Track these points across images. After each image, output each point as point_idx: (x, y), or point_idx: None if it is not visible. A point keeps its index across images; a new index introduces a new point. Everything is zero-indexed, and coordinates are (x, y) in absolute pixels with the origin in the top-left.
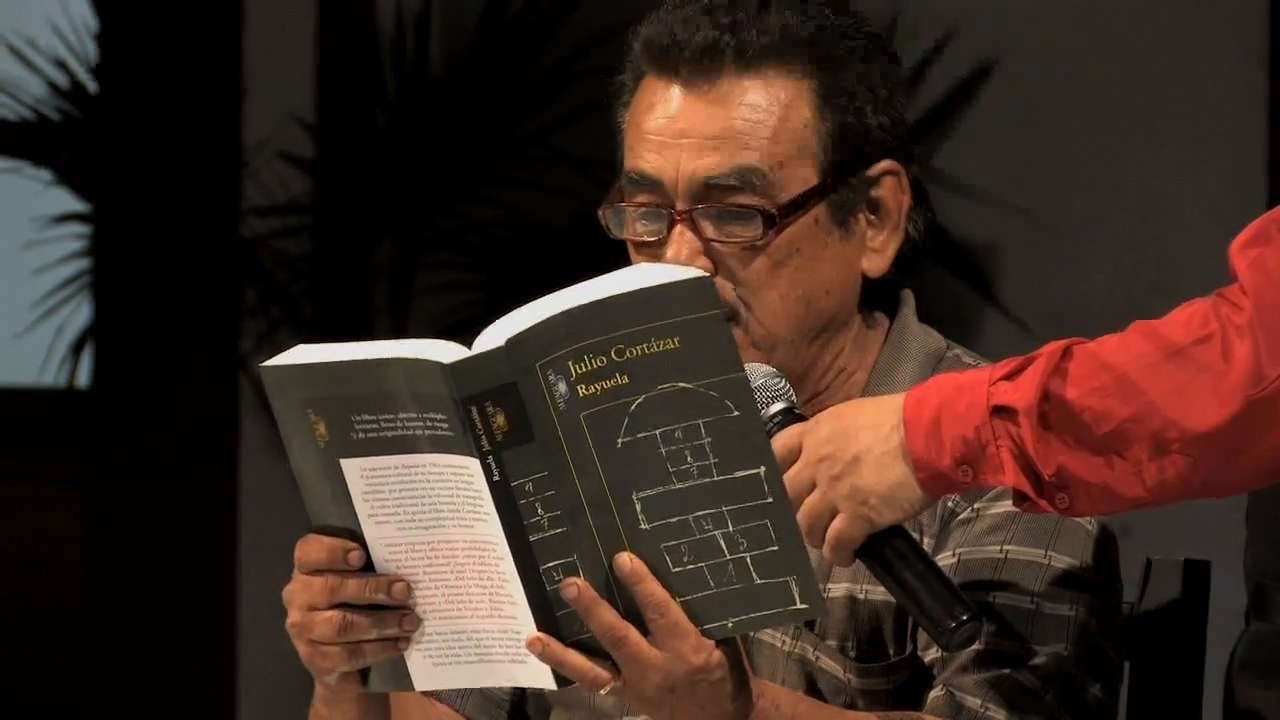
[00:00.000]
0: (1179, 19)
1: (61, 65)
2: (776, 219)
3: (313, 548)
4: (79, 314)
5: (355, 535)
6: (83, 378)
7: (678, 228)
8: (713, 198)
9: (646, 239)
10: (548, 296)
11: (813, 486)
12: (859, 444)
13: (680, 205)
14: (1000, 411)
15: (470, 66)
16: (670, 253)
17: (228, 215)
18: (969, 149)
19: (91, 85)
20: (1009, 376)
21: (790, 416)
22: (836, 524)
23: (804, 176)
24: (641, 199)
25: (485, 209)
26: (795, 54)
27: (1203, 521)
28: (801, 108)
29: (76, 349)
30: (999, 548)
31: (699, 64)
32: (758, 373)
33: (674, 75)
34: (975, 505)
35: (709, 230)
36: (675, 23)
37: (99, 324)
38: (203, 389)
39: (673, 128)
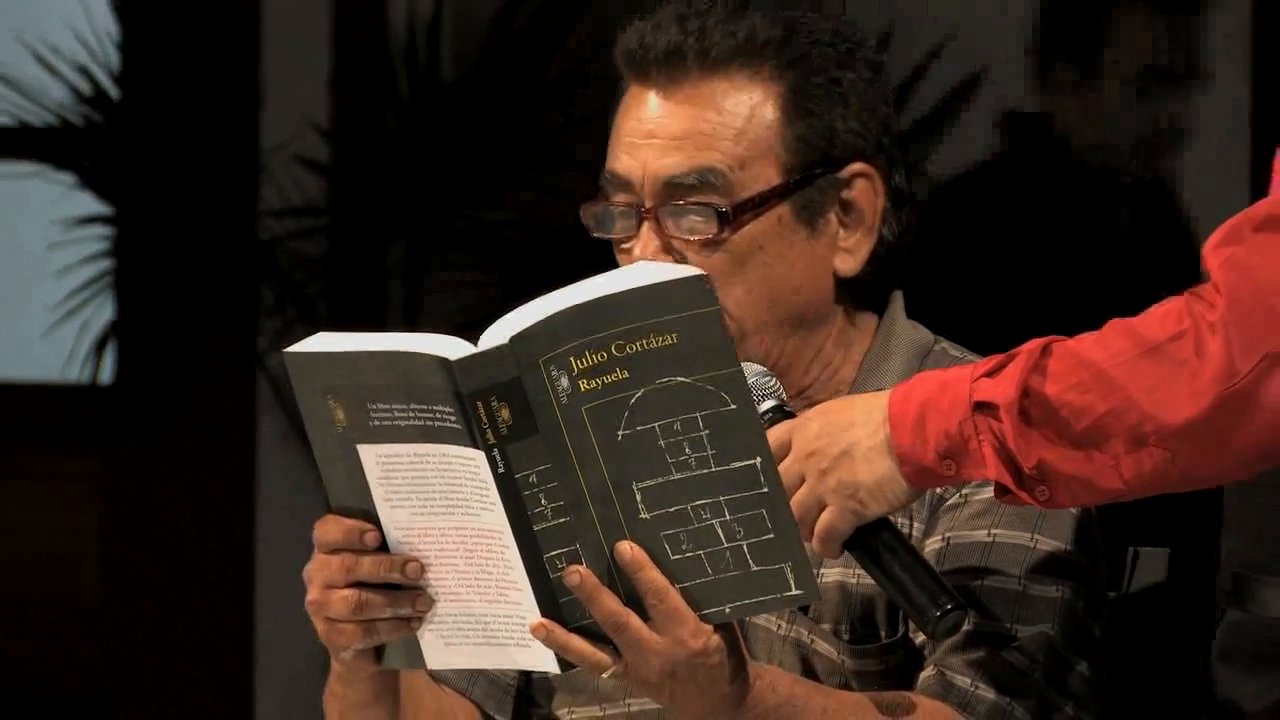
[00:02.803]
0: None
1: (85, 72)
2: (731, 216)
3: (331, 527)
4: (102, 313)
5: (371, 517)
6: (105, 374)
7: (645, 225)
8: (675, 196)
9: (618, 237)
10: (550, 294)
11: (802, 480)
12: (847, 439)
13: (647, 204)
14: (982, 407)
15: (481, 73)
16: (638, 249)
17: (246, 217)
18: (963, 154)
19: (114, 92)
20: (990, 373)
21: (780, 414)
22: (825, 517)
23: (766, 177)
24: (617, 199)
25: (495, 211)
26: (762, 57)
27: (1186, 512)
28: (767, 109)
29: (99, 346)
30: (987, 532)
31: (664, 68)
32: (749, 371)
33: (646, 80)
34: (963, 491)
35: (671, 227)
36: (646, 29)
37: (121, 322)
38: (221, 385)
39: (642, 130)
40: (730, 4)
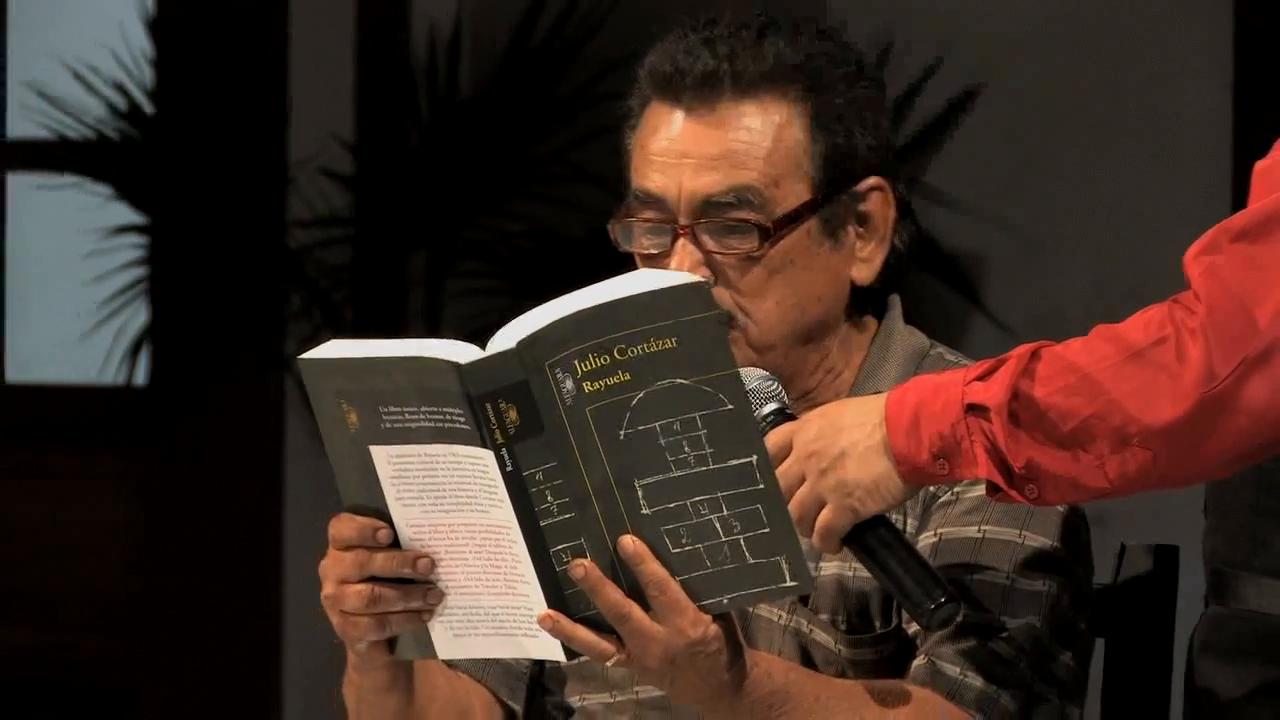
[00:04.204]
0: (1151, 46)
1: (121, 89)
2: (771, 232)
3: (345, 525)
4: (137, 318)
5: (383, 515)
6: (140, 377)
7: (680, 241)
8: (712, 213)
9: (652, 252)
10: (555, 300)
11: (802, 480)
12: (844, 441)
13: (683, 220)
14: (974, 410)
15: (497, 90)
16: (674, 264)
17: (274, 227)
18: (958, 166)
19: (148, 107)
20: (982, 377)
21: (782, 416)
22: (824, 515)
23: (797, 193)
24: (647, 215)
25: (511, 222)
26: (788, 80)
27: (1172, 510)
28: (794, 129)
29: (134, 350)
30: (977, 528)
31: (699, 91)
32: (751, 376)
33: (676, 101)
34: (955, 489)
35: (709, 243)
36: (678, 53)
37: (155, 327)
38: (251, 388)
39: (675, 149)
40: (750, 26)
